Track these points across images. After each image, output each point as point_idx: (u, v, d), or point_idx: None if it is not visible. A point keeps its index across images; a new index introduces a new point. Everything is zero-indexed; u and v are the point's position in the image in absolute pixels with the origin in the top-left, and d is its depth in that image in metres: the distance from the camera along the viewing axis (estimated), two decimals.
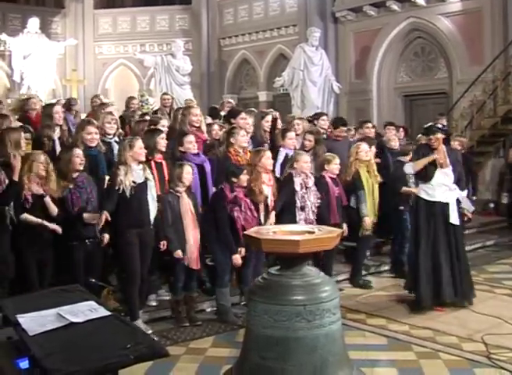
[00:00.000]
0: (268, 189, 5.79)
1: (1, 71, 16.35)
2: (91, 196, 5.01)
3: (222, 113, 8.62)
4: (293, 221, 5.77)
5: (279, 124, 7.56)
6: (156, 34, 17.55)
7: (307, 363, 3.36)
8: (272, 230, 3.82)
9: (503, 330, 5.11)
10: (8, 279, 4.63)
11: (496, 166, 11.63)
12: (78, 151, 5.04)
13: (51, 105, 6.80)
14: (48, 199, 4.78)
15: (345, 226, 6.35)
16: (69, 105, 8.76)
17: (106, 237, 5.00)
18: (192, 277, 5.49)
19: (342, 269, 7.15)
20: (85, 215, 4.88)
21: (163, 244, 5.30)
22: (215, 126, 6.92)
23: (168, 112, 9.07)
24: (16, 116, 7.50)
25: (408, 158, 6.54)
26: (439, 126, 5.98)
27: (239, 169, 5.61)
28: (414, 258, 5.94)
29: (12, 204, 4.60)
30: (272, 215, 5.78)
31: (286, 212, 5.93)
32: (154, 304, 5.74)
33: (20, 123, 6.65)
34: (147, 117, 7.62)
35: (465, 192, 6.13)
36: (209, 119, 7.79)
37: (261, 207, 5.68)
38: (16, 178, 4.51)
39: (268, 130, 6.99)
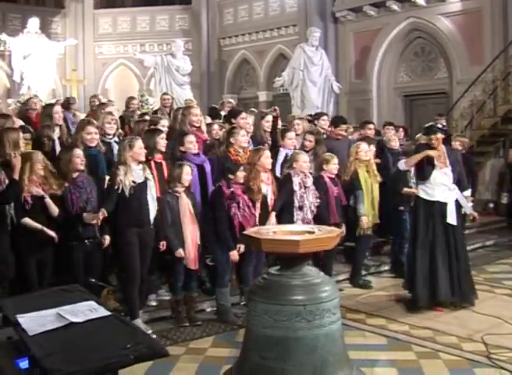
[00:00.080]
0: (267, 188, 5.80)
1: (1, 71, 16.35)
2: (91, 196, 5.01)
3: (222, 113, 8.62)
4: (292, 221, 5.78)
5: (280, 124, 7.54)
6: (156, 34, 17.55)
7: (307, 363, 3.36)
8: (271, 230, 3.82)
9: (503, 330, 5.11)
10: (8, 279, 4.63)
11: (495, 166, 11.64)
12: (78, 152, 5.04)
13: (51, 105, 6.80)
14: (48, 200, 4.77)
15: (343, 226, 6.35)
16: (67, 104, 8.77)
17: (107, 238, 5.01)
18: (192, 277, 5.49)
19: (342, 269, 7.16)
20: (85, 214, 4.88)
21: (163, 245, 5.30)
22: (215, 126, 6.92)
23: (168, 112, 9.07)
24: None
25: None
26: (439, 126, 5.98)
27: (235, 165, 5.61)
28: (411, 257, 5.95)
29: (12, 204, 4.60)
30: (273, 215, 5.77)
31: (285, 212, 5.93)
32: (154, 304, 5.73)
33: (22, 123, 6.66)
34: (147, 117, 7.62)
35: (469, 191, 6.13)
36: (209, 119, 7.79)
37: (258, 205, 5.67)
38: (16, 177, 4.51)
39: (269, 130, 6.98)
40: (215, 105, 10.17)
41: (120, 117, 7.87)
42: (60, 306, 3.10)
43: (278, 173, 6.40)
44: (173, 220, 5.35)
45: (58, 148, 5.87)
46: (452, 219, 5.79)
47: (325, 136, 7.78)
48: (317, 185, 6.20)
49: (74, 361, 2.50)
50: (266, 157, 5.79)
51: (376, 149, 7.52)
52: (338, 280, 6.59)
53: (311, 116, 9.95)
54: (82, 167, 5.03)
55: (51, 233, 4.73)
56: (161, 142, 5.63)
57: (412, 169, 6.41)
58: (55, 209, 4.80)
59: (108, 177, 5.27)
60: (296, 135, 7.13)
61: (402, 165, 6.07)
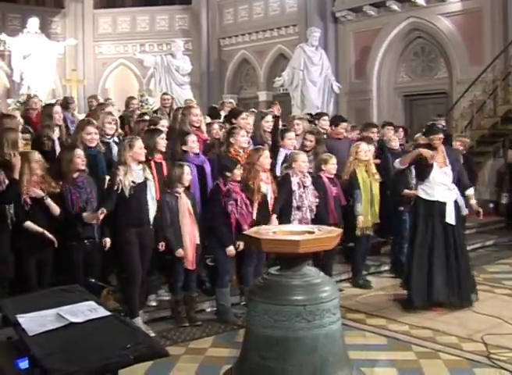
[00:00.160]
0: (267, 187, 5.80)
1: (1, 71, 16.35)
2: (91, 196, 5.00)
3: (222, 113, 8.62)
4: (290, 221, 5.79)
5: (280, 124, 7.53)
6: (156, 34, 17.55)
7: (307, 363, 3.36)
8: (271, 230, 3.82)
9: (503, 330, 5.11)
10: (8, 279, 4.63)
11: (495, 166, 11.63)
12: (79, 152, 5.04)
13: (51, 105, 6.79)
14: (48, 201, 4.77)
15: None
16: (66, 104, 8.76)
17: (108, 241, 5.02)
18: (191, 277, 5.49)
19: (342, 269, 7.16)
20: (84, 214, 4.87)
21: (162, 245, 5.30)
22: (215, 126, 6.92)
23: (168, 112, 9.07)
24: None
25: None
26: (440, 126, 6.01)
27: (233, 163, 5.61)
28: (409, 257, 5.95)
29: (12, 204, 4.59)
30: (274, 219, 5.76)
31: (284, 212, 5.94)
32: (153, 304, 5.74)
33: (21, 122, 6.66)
34: (147, 117, 7.62)
35: (472, 189, 6.14)
36: (208, 119, 7.79)
37: (256, 204, 5.68)
38: (16, 177, 4.51)
39: (269, 130, 6.98)
40: (215, 105, 10.16)
41: (120, 117, 7.88)
42: (60, 306, 3.10)
43: (278, 174, 6.39)
44: (172, 220, 5.35)
45: (57, 148, 5.87)
46: (451, 218, 5.79)
47: (325, 136, 7.78)
48: (315, 185, 6.21)
49: (74, 361, 2.50)
50: (265, 157, 5.79)
51: (376, 149, 7.54)
52: (338, 280, 6.60)
53: (310, 115, 9.95)
54: (83, 167, 5.03)
55: (51, 236, 4.73)
56: (161, 142, 5.63)
57: (413, 170, 6.42)
58: (56, 208, 4.80)
59: (108, 177, 5.27)
60: (296, 135, 7.12)
61: (397, 164, 6.09)
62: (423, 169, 5.83)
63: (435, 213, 5.80)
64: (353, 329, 5.24)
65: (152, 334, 4.88)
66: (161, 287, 5.92)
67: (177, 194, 5.39)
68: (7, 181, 4.49)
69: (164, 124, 6.71)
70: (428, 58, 13.45)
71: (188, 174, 5.44)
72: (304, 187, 6.03)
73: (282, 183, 6.01)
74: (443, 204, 5.79)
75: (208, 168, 6.04)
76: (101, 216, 4.83)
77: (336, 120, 7.95)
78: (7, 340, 2.94)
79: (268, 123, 6.98)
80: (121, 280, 5.40)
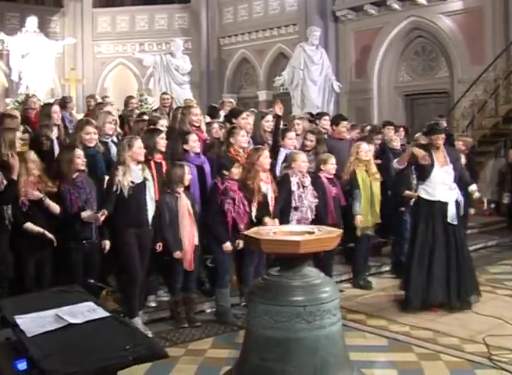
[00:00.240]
0: (267, 186, 5.79)
1: (0, 70, 16.36)
2: (90, 196, 4.99)
3: (222, 113, 8.62)
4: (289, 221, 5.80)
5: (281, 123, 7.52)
6: (155, 33, 17.56)
7: (308, 364, 3.36)
8: (272, 231, 3.82)
9: (504, 331, 5.10)
10: (7, 279, 4.63)
11: (496, 166, 11.63)
12: (79, 152, 5.03)
13: (50, 105, 6.80)
14: (47, 201, 4.76)
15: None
16: (64, 103, 8.76)
17: (107, 243, 5.03)
18: (190, 278, 5.48)
19: (342, 269, 7.16)
20: (84, 213, 4.86)
21: (159, 246, 5.30)
22: (215, 125, 6.92)
23: (167, 111, 9.07)
24: None
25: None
26: (444, 124, 6.03)
27: (230, 162, 5.62)
28: (409, 258, 5.95)
29: (10, 205, 4.59)
30: (276, 222, 5.74)
31: (283, 212, 5.93)
32: (153, 305, 5.74)
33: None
34: (146, 117, 7.61)
35: (474, 185, 6.14)
36: (208, 119, 7.78)
37: (254, 204, 5.68)
38: (15, 177, 4.50)
39: (269, 129, 6.97)
40: (216, 104, 10.16)
41: (119, 117, 7.87)
42: (59, 307, 3.09)
43: (278, 174, 6.39)
44: (171, 221, 5.34)
45: (56, 148, 5.86)
46: (452, 218, 5.79)
47: (326, 136, 7.77)
48: (314, 185, 6.20)
49: (73, 362, 2.50)
50: (265, 157, 5.78)
51: (378, 149, 7.53)
52: (338, 281, 6.60)
53: (310, 114, 9.94)
54: (83, 167, 5.02)
55: (51, 236, 4.73)
56: (161, 142, 5.63)
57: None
58: (56, 207, 4.79)
59: (107, 177, 5.27)
60: (297, 135, 7.12)
61: (395, 164, 6.11)
62: (424, 168, 5.84)
63: (437, 213, 5.80)
64: (353, 330, 5.23)
65: (150, 335, 4.88)
66: (161, 287, 5.91)
67: (177, 195, 5.39)
68: (5, 182, 4.49)
69: (163, 124, 6.71)
70: (429, 57, 13.45)
71: (188, 174, 5.45)
72: (304, 187, 6.03)
73: (282, 184, 6.00)
74: (445, 204, 5.80)
75: (207, 168, 6.04)
76: (102, 218, 4.84)
77: (336, 119, 7.94)
78: (5, 341, 2.94)
79: (268, 123, 6.97)
80: (120, 281, 5.40)
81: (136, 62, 16.26)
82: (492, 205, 11.20)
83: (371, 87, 14.02)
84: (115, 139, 6.19)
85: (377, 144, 7.65)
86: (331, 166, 6.44)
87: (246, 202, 5.56)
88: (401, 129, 8.87)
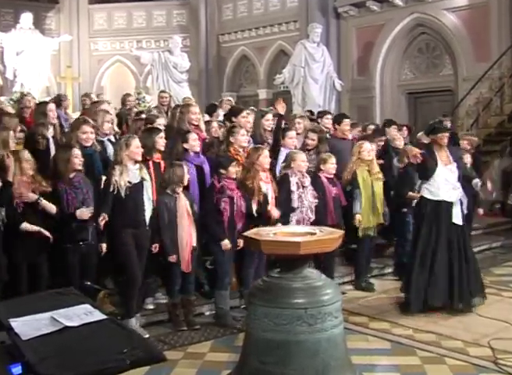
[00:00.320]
0: (267, 186, 5.79)
1: None
2: (87, 197, 4.99)
3: (221, 112, 8.62)
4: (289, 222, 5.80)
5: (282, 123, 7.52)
6: (153, 30, 17.57)
7: (309, 368, 3.37)
8: (272, 232, 3.82)
9: (510, 335, 5.10)
10: (1, 282, 4.63)
11: (501, 166, 11.61)
12: (77, 152, 5.02)
13: (45, 103, 6.80)
14: (43, 203, 4.75)
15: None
16: (58, 101, 8.76)
17: (104, 246, 5.04)
18: (189, 280, 5.48)
19: (344, 271, 7.16)
20: (78, 211, 4.85)
21: (155, 247, 5.30)
22: (214, 124, 6.92)
23: (165, 110, 9.07)
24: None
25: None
26: (448, 124, 6.04)
27: (228, 160, 5.62)
28: (411, 260, 5.95)
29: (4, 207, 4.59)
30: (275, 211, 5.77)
31: (283, 213, 5.93)
32: (151, 307, 5.73)
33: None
34: (144, 115, 7.61)
35: (476, 179, 6.14)
36: (207, 117, 7.79)
37: (254, 203, 5.68)
38: (10, 179, 4.50)
39: (269, 128, 6.98)
40: (216, 102, 10.16)
41: (116, 115, 7.88)
42: (54, 310, 3.09)
43: (278, 173, 6.40)
44: (170, 222, 5.34)
45: (52, 147, 5.87)
46: (458, 219, 5.79)
47: (328, 135, 7.77)
48: (314, 185, 6.20)
49: (69, 366, 2.49)
50: (265, 156, 5.78)
51: (380, 149, 7.52)
52: (340, 283, 6.59)
53: (311, 112, 9.94)
54: (80, 167, 5.03)
55: (48, 233, 4.73)
56: (160, 141, 5.64)
57: None
58: (52, 207, 4.78)
59: (104, 177, 5.27)
60: (297, 134, 7.12)
61: (396, 162, 6.15)
62: (427, 167, 5.83)
63: (442, 213, 5.78)
64: (355, 333, 5.23)
65: (147, 335, 4.89)
66: (159, 290, 5.91)
67: (176, 195, 5.39)
68: (0, 183, 4.48)
69: (160, 123, 6.71)
70: (433, 54, 13.46)
71: (187, 173, 5.46)
72: (303, 187, 6.03)
73: (281, 184, 6.01)
74: (450, 204, 5.79)
75: (206, 168, 6.04)
76: (102, 222, 4.87)
77: (339, 118, 7.94)
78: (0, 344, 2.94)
79: (268, 122, 6.98)
80: (118, 283, 5.40)
81: (134, 60, 16.28)
82: (498, 206, 11.17)
83: (374, 85, 14.03)
84: (112, 138, 6.20)
85: (379, 144, 7.65)
86: (331, 165, 6.43)
87: (244, 202, 5.57)
88: (404, 128, 8.88)
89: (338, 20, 14.56)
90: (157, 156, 5.65)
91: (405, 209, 7.03)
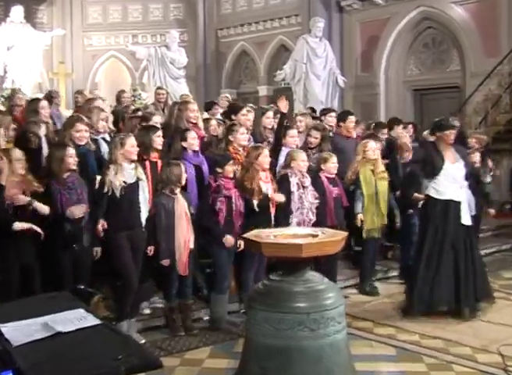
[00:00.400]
0: (266, 186, 5.79)
1: None
2: (82, 197, 4.98)
3: (219, 109, 8.63)
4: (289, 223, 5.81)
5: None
6: (149, 25, 17.56)
7: (311, 374, 3.37)
8: (273, 234, 3.83)
9: None
10: None
11: (510, 165, 11.60)
12: (71, 151, 5.01)
13: (37, 100, 6.79)
14: (35, 205, 4.72)
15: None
16: (50, 98, 8.75)
17: (98, 251, 5.05)
18: (186, 283, 5.49)
19: (349, 274, 7.17)
20: (67, 211, 4.84)
21: (150, 250, 5.30)
22: (213, 122, 6.92)
23: (162, 107, 9.07)
24: None
25: None
26: (456, 122, 6.05)
27: (225, 158, 5.62)
28: (416, 263, 5.95)
29: None
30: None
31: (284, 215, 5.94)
32: (147, 312, 5.74)
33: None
34: (140, 113, 7.61)
35: (489, 177, 6.15)
36: (206, 115, 7.79)
37: (255, 203, 5.68)
38: (3, 182, 4.50)
39: (270, 127, 6.98)
40: (215, 100, 10.16)
41: (113, 112, 7.88)
42: (46, 315, 3.09)
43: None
44: (167, 224, 5.34)
45: (44, 146, 5.86)
46: (467, 219, 5.79)
47: (331, 133, 7.76)
48: (314, 185, 6.19)
49: (61, 373, 2.50)
50: (265, 156, 5.75)
51: (385, 147, 7.52)
52: (343, 287, 6.60)
53: (312, 109, 9.93)
54: (74, 167, 5.02)
55: (39, 229, 4.69)
56: (157, 140, 5.64)
57: None
58: (45, 209, 4.75)
59: (99, 177, 5.26)
60: (299, 132, 7.12)
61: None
62: (433, 164, 5.82)
63: (450, 214, 5.77)
64: (359, 338, 5.23)
65: (143, 341, 4.89)
66: (155, 294, 5.91)
67: (174, 196, 5.39)
68: None
69: (157, 120, 6.71)
70: (440, 49, 13.45)
71: (185, 172, 5.46)
72: (304, 187, 6.02)
73: (281, 184, 6.00)
74: (458, 203, 5.78)
75: (205, 168, 6.04)
76: (101, 228, 4.93)
77: (343, 115, 7.93)
78: None
79: (268, 120, 6.98)
80: (113, 286, 5.40)
81: (129, 55, 16.24)
82: (507, 207, 11.17)
83: (378, 81, 14.02)
84: (107, 137, 6.20)
85: (383, 140, 7.64)
86: (332, 164, 6.42)
87: (243, 202, 5.56)
88: (410, 126, 8.87)
89: (341, 14, 14.55)
90: (154, 155, 5.65)
91: (411, 211, 7.03)
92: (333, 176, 6.47)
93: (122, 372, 2.57)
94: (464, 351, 4.95)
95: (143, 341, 4.89)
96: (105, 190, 4.99)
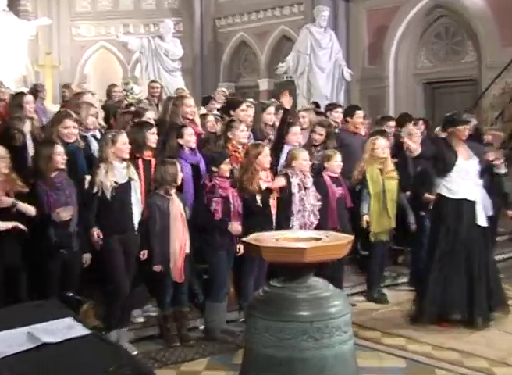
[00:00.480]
0: (267, 185, 5.80)
1: None
2: (70, 200, 4.98)
3: (216, 105, 8.64)
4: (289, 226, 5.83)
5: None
6: (142, 13, 17.54)
7: None
8: (274, 237, 3.83)
9: None
10: None
11: None
12: (59, 149, 5.02)
13: (21, 95, 6.79)
14: (19, 206, 4.73)
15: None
16: (35, 92, 8.76)
17: (88, 257, 5.07)
18: (182, 290, 5.49)
19: (356, 280, 7.18)
20: (53, 214, 4.84)
21: (143, 254, 5.31)
22: (211, 118, 6.93)
23: (156, 102, 9.09)
24: None
25: None
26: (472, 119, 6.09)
27: (221, 156, 5.63)
28: (427, 268, 5.96)
29: None
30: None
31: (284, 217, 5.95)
32: (140, 320, 5.74)
33: None
34: (133, 108, 7.62)
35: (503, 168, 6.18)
36: (203, 110, 7.81)
37: (258, 199, 5.70)
38: None
39: (271, 123, 6.99)
40: (213, 95, 10.17)
41: (103, 108, 7.89)
42: (32, 324, 3.10)
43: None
44: (162, 227, 5.35)
45: (29, 143, 5.88)
46: (482, 219, 5.78)
47: (336, 130, 7.77)
48: (316, 186, 6.18)
49: None
50: (265, 155, 5.74)
51: (393, 145, 7.52)
52: (350, 294, 6.60)
53: (316, 104, 9.93)
54: (63, 166, 5.03)
55: (23, 227, 4.69)
56: (152, 138, 5.65)
57: None
58: (31, 210, 4.76)
59: (88, 177, 5.27)
60: (302, 129, 7.13)
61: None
62: (446, 161, 5.81)
63: (464, 214, 5.77)
64: (366, 349, 5.24)
65: (135, 352, 4.90)
66: (148, 301, 5.92)
67: (169, 197, 5.40)
68: None
69: (150, 116, 6.72)
70: (453, 40, 13.44)
71: (180, 171, 5.47)
72: (305, 188, 6.01)
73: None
74: (472, 203, 5.78)
75: (203, 167, 6.04)
76: (96, 237, 4.98)
77: (351, 110, 7.93)
78: None
79: (269, 116, 6.99)
80: (104, 294, 5.40)
81: (121, 46, 16.26)
82: None
83: (387, 74, 14.00)
84: (97, 134, 6.20)
85: (390, 135, 7.63)
86: (335, 163, 6.42)
87: (240, 202, 5.57)
88: (421, 122, 8.85)
89: (347, 2, 14.53)
90: (147, 154, 5.65)
91: (422, 213, 7.03)
92: (337, 175, 6.47)
93: None
94: (480, 363, 4.94)
95: (135, 352, 4.90)
96: (95, 190, 5.00)
